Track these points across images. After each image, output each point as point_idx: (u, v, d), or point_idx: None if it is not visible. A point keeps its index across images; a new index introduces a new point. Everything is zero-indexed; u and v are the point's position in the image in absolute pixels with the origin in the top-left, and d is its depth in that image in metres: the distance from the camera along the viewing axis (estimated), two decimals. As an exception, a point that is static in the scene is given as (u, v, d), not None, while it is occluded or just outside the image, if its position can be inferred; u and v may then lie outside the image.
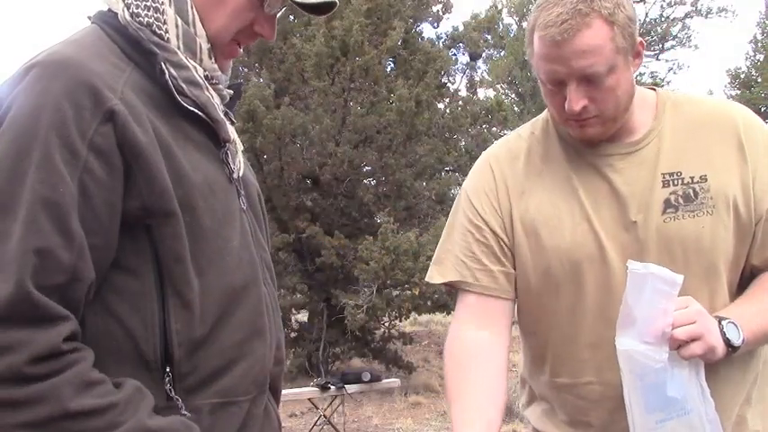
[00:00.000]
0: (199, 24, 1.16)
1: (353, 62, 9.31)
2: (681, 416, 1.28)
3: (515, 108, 19.20)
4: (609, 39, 1.28)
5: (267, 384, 1.20)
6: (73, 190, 0.97)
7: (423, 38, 11.52)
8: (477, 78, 14.60)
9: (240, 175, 1.23)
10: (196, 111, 1.13)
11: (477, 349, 1.44)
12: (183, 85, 1.12)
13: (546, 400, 1.54)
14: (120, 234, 1.03)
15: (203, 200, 1.09)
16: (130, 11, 1.12)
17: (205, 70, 1.17)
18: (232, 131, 1.22)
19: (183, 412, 1.05)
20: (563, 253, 1.39)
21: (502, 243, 1.46)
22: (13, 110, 0.99)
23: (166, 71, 1.10)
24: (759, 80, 20.06)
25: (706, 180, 1.35)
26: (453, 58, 12.00)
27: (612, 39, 1.29)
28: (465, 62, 12.59)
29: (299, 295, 9.74)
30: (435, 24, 12.14)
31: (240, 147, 1.26)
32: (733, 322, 1.29)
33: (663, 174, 1.37)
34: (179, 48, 1.13)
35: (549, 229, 1.41)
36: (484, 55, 17.49)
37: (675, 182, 1.36)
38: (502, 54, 20.34)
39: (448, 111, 11.26)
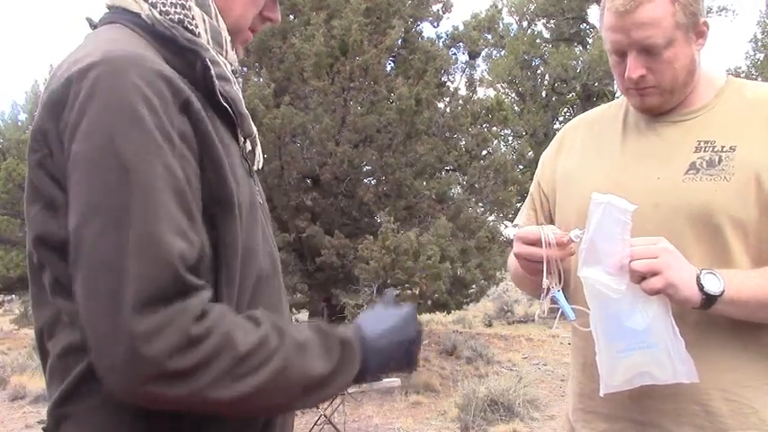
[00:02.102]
0: (220, 17, 1.16)
1: (353, 61, 9.31)
2: (644, 348, 1.31)
3: (515, 107, 19.20)
4: (669, 14, 1.38)
5: None
6: (180, 174, 0.98)
7: (423, 37, 11.51)
8: (477, 77, 14.59)
9: (258, 168, 1.25)
10: (228, 107, 1.13)
11: None
12: (217, 82, 1.11)
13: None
14: None
15: (239, 195, 1.10)
16: (158, 9, 1.10)
17: (231, 63, 1.18)
18: (252, 126, 1.22)
19: None
20: (582, 201, 1.42)
21: (540, 190, 1.68)
22: (93, 109, 0.95)
23: (210, 67, 1.09)
24: (759, 79, 20.06)
25: (734, 150, 1.39)
26: (453, 57, 11.98)
27: (673, 14, 1.38)
28: (465, 61, 12.57)
29: (299, 295, 9.73)
30: (435, 24, 12.12)
31: (257, 142, 1.26)
32: (714, 273, 1.31)
33: (698, 140, 1.43)
34: (209, 42, 1.13)
35: (575, 181, 1.50)
36: (484, 54, 17.49)
37: (706, 148, 1.42)
38: (502, 53, 20.34)
39: (448, 110, 11.24)
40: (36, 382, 9.10)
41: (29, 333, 14.77)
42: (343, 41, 9.19)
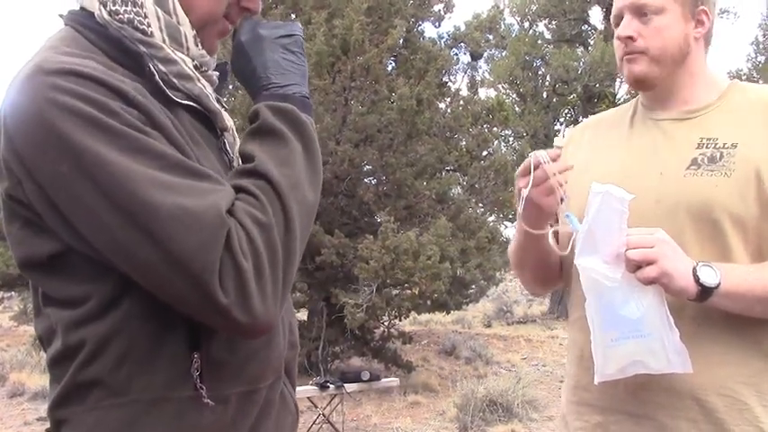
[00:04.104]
0: (180, 12, 1.11)
1: (354, 61, 9.30)
2: (638, 338, 1.32)
3: (516, 108, 19.20)
4: None
5: (283, 369, 1.19)
6: (161, 147, 0.98)
7: (424, 37, 11.52)
8: (478, 78, 14.60)
9: (240, 163, 1.21)
10: (191, 103, 1.11)
11: None
12: (175, 80, 1.09)
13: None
14: None
15: None
16: (108, 9, 1.07)
17: (193, 59, 1.14)
18: (228, 119, 1.20)
19: (206, 401, 1.03)
20: (585, 195, 1.43)
21: None
22: (41, 129, 0.94)
23: (155, 72, 1.06)
24: (760, 82, 20.06)
25: (736, 147, 1.41)
26: (455, 57, 12.00)
27: None
28: (466, 62, 12.59)
29: (298, 294, 9.73)
30: (437, 24, 12.13)
31: (236, 135, 1.23)
32: (711, 266, 1.32)
33: (701, 137, 1.46)
34: (164, 41, 1.10)
35: (579, 175, 1.48)
36: (485, 55, 17.48)
37: (708, 145, 1.44)
38: (503, 54, 20.33)
39: (449, 110, 11.25)
40: (35, 380, 9.11)
41: (28, 330, 14.77)
42: (344, 41, 9.19)
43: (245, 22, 1.20)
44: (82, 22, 1.09)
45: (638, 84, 1.53)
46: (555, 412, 7.51)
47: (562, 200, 1.40)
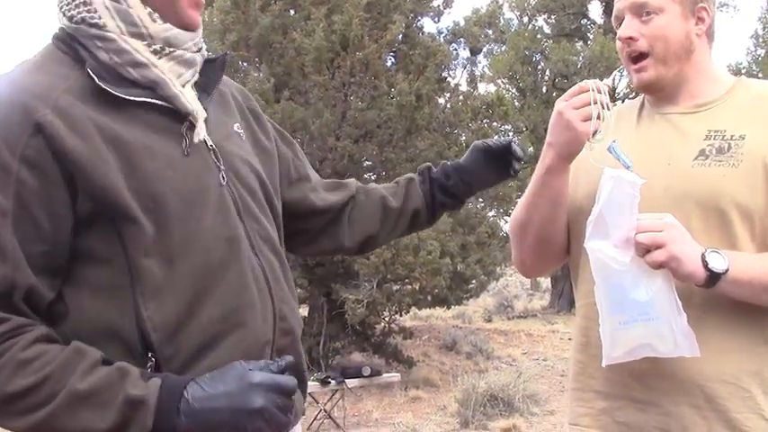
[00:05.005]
0: None
1: (353, 57, 9.29)
2: (646, 321, 1.32)
3: (516, 103, 19.17)
4: None
5: (265, 357, 1.19)
6: (6, 205, 1.03)
7: (423, 32, 11.49)
8: (477, 73, 14.56)
9: (211, 146, 1.22)
10: (140, 99, 1.14)
11: None
12: (131, 70, 1.13)
13: None
14: (88, 230, 1.08)
15: (166, 185, 1.11)
16: (66, 15, 1.15)
17: (153, 40, 1.16)
18: (192, 101, 1.20)
19: None
20: (592, 185, 1.45)
21: None
22: None
23: (94, 75, 1.11)
24: (760, 76, 20.03)
25: (744, 138, 1.42)
26: (454, 52, 11.97)
27: None
28: (465, 57, 12.56)
29: (299, 290, 9.74)
30: (436, 19, 12.10)
31: (204, 114, 1.22)
32: (719, 252, 1.33)
33: (709, 129, 1.47)
34: (120, 28, 1.14)
35: (587, 165, 1.48)
36: (485, 50, 17.44)
37: (716, 137, 1.45)
38: (503, 49, 20.30)
39: (449, 105, 11.23)
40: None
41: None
42: (343, 36, 9.18)
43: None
44: (57, 35, 1.19)
45: (649, 89, 1.55)
46: (556, 406, 7.53)
47: (596, 132, 1.39)
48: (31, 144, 1.04)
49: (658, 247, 1.30)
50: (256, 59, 10.27)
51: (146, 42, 1.16)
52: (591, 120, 1.39)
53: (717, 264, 1.31)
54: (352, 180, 1.66)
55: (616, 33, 1.55)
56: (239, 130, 1.34)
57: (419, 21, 11.72)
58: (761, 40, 21.19)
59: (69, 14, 1.14)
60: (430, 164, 1.69)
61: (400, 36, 10.30)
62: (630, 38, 1.49)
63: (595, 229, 1.37)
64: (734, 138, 1.43)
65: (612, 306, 1.36)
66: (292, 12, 10.04)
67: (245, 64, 10.25)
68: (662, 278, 1.33)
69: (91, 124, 1.08)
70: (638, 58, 1.51)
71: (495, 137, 1.66)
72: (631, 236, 1.32)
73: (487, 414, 7.09)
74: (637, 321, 1.33)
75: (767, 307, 1.39)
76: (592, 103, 1.39)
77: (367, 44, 9.26)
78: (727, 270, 1.31)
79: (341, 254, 1.49)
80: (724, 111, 1.49)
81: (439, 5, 11.95)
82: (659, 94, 1.55)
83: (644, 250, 1.31)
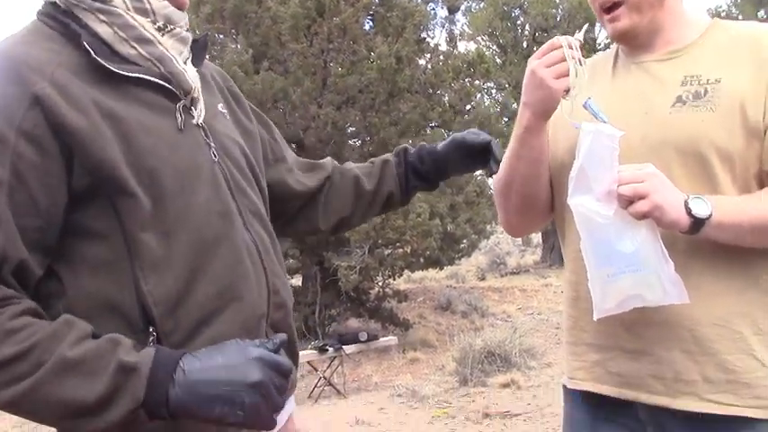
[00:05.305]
0: None
1: (330, 22, 9.19)
2: (634, 272, 1.33)
3: (497, 60, 19.07)
4: None
5: (261, 330, 1.21)
6: (2, 176, 1.02)
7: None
8: (456, 32, 14.48)
9: (201, 123, 1.22)
10: (138, 75, 1.13)
11: None
12: (136, 45, 1.13)
13: None
14: (85, 206, 1.08)
15: (161, 161, 1.11)
16: None
17: (156, 17, 1.16)
18: (194, 79, 1.21)
19: None
20: (571, 139, 1.46)
21: None
22: None
23: (91, 50, 1.10)
24: (740, 19, 19.98)
25: (720, 82, 1.42)
26: (432, 12, 11.88)
27: None
28: (444, 16, 12.46)
29: (291, 260, 9.76)
30: (412, -21, 11.97)
31: (201, 95, 1.24)
32: (702, 198, 1.33)
33: (685, 75, 1.46)
34: (125, 3, 1.13)
35: (565, 120, 1.47)
36: (463, 8, 17.31)
37: (692, 82, 1.44)
38: (481, 6, 20.13)
39: (429, 66, 11.16)
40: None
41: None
42: (319, 2, 9.07)
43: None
44: (45, 11, 1.17)
45: (624, 38, 1.53)
46: (553, 359, 7.61)
47: (568, 90, 1.39)
48: (29, 116, 1.03)
49: (641, 197, 1.30)
50: (233, 31, 10.15)
51: (150, 19, 1.16)
52: (564, 77, 1.38)
53: (700, 210, 1.32)
54: (328, 160, 1.67)
55: None
56: (223, 110, 1.34)
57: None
58: (739, -19, 21.07)
59: None
60: (407, 146, 1.69)
61: (377, -1, 10.20)
62: None
63: (577, 185, 1.36)
64: (710, 82, 1.42)
65: (599, 259, 1.36)
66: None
67: (221, 36, 10.13)
68: (646, 228, 1.33)
69: (88, 99, 1.07)
70: (611, 7, 1.48)
71: (474, 130, 1.63)
72: (613, 188, 1.31)
73: (485, 371, 7.17)
74: (624, 273, 1.33)
75: (753, 249, 1.40)
76: (568, 59, 1.38)
77: (343, 9, 9.17)
78: (710, 215, 1.32)
79: (315, 234, 1.49)
80: (699, 54, 1.48)
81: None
82: (634, 42, 1.53)
83: (627, 202, 1.31)
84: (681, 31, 1.51)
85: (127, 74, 1.12)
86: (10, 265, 1.03)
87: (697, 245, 1.38)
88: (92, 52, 1.09)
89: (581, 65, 1.39)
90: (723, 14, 20.94)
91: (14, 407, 1.02)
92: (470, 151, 1.63)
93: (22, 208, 1.03)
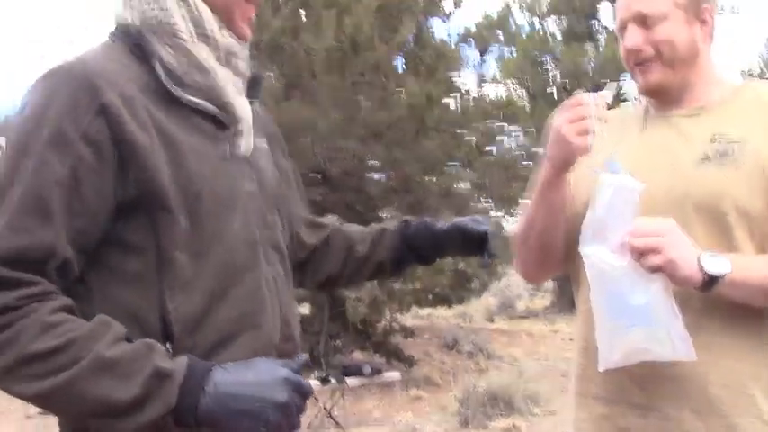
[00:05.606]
0: (200, 3, 1.23)
1: (364, 58, 9.31)
2: (644, 326, 1.32)
3: (526, 105, 19.14)
4: None
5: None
6: (61, 176, 1.08)
7: (433, 34, 11.52)
8: (487, 75, 14.60)
9: (247, 155, 1.28)
10: (196, 101, 1.20)
11: None
12: (195, 73, 1.20)
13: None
14: (126, 218, 1.13)
15: (207, 186, 1.17)
16: (139, 12, 1.20)
17: (220, 51, 1.24)
18: (246, 110, 1.27)
19: None
20: (587, 196, 1.47)
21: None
22: (25, 109, 1.13)
23: (162, 73, 1.18)
24: (770, 81, 19.88)
25: (746, 142, 1.43)
26: (464, 55, 11.99)
27: None
28: (476, 59, 12.59)
29: (301, 289, 9.75)
30: (445, 19, 12.12)
31: (251, 129, 1.28)
32: (716, 255, 1.33)
33: (713, 133, 1.47)
34: (191, 33, 1.21)
35: (590, 165, 1.48)
36: (495, 52, 17.44)
37: (720, 140, 1.45)
38: (512, 50, 20.26)
39: (458, 106, 11.25)
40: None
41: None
42: (353, 39, 9.21)
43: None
44: (118, 34, 1.25)
45: (654, 92, 1.55)
46: (557, 407, 7.46)
47: (589, 148, 1.39)
48: (95, 123, 1.09)
49: (654, 251, 1.30)
50: (268, 62, 10.32)
51: (210, 47, 1.23)
52: (586, 134, 1.39)
53: (713, 267, 1.31)
54: (331, 219, 1.72)
55: (622, 46, 1.55)
56: (265, 146, 1.40)
57: (428, 21, 11.74)
58: (773, 44, 21.00)
59: (143, 12, 1.20)
60: (408, 219, 1.72)
61: (410, 37, 10.31)
62: (637, 50, 1.49)
63: (593, 235, 1.37)
64: (736, 141, 1.44)
65: (610, 311, 1.35)
66: (303, 12, 10.07)
67: (255, 65, 10.27)
68: (659, 282, 1.32)
69: (148, 116, 1.13)
70: (644, 60, 1.51)
71: (477, 218, 1.65)
72: (627, 240, 1.32)
73: (488, 414, 7.06)
74: (635, 326, 1.32)
75: (765, 309, 1.40)
76: (592, 117, 1.39)
77: (377, 46, 9.28)
78: (723, 273, 1.31)
79: (299, 288, 1.56)
80: (729, 113, 1.49)
81: (450, 11, 11.96)
82: (664, 97, 1.55)
83: (638, 254, 1.31)
84: (710, 89, 1.54)
85: (187, 101, 1.19)
86: (56, 262, 1.07)
87: (712, 303, 1.38)
88: (162, 76, 1.18)
89: (604, 123, 1.39)
90: (755, 75, 20.88)
91: (45, 399, 1.06)
92: (470, 238, 1.65)
93: (75, 209, 1.08)
